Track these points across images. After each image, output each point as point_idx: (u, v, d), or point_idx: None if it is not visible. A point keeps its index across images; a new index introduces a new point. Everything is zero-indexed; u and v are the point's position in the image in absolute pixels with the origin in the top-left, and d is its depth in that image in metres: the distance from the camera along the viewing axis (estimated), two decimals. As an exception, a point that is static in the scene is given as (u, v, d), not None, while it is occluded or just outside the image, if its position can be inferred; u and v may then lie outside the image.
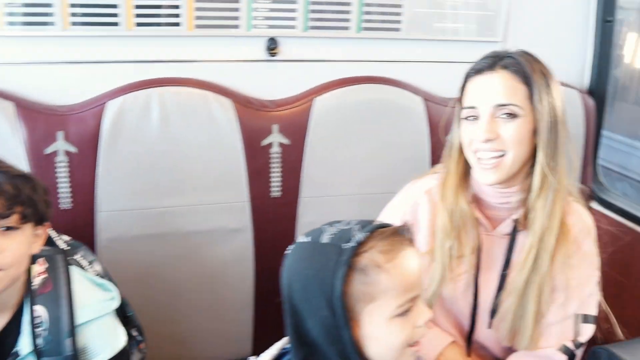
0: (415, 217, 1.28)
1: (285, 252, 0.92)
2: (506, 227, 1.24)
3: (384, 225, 0.89)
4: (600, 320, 1.27)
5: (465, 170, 1.24)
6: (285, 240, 1.62)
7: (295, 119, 1.54)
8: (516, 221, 1.22)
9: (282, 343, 0.97)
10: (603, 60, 1.84)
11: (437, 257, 1.24)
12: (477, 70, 1.17)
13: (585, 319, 1.24)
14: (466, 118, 1.18)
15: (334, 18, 1.54)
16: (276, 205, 1.57)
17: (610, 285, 1.59)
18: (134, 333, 1.31)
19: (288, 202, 1.58)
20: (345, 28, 1.55)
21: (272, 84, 1.56)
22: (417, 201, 1.29)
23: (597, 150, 1.88)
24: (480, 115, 1.15)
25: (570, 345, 1.20)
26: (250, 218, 1.56)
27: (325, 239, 0.87)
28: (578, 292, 1.23)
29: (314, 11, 1.52)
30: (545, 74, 1.18)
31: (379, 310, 0.85)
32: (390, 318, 0.85)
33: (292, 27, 1.52)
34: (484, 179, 1.18)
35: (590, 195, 1.88)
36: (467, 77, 1.19)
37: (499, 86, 1.14)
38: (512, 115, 1.13)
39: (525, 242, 1.22)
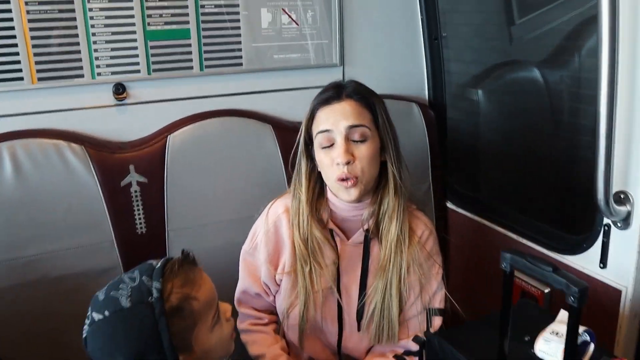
0: (278, 235, 1.40)
1: (84, 334, 0.95)
2: (359, 236, 1.38)
3: (165, 263, 0.99)
4: (448, 309, 1.44)
5: (317, 194, 1.38)
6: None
7: (151, 158, 1.62)
8: (367, 231, 1.37)
9: None
10: (436, 75, 2.04)
11: (299, 281, 1.36)
12: (325, 100, 1.31)
13: (435, 311, 1.42)
14: (322, 147, 1.30)
15: (176, 59, 1.64)
16: (143, 241, 1.64)
17: (460, 273, 1.77)
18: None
19: (155, 236, 1.65)
20: (189, 68, 1.66)
21: (125, 126, 1.63)
22: (278, 220, 1.41)
23: (445, 156, 2.08)
24: (336, 138, 1.28)
25: (421, 335, 1.35)
26: (118, 256, 1.61)
27: (125, 303, 0.91)
28: (427, 288, 1.40)
29: (155, 55, 1.61)
30: (380, 99, 1.36)
31: (203, 329, 0.97)
32: (211, 329, 0.98)
33: (137, 71, 1.60)
34: (346, 197, 1.31)
35: (444, 195, 2.09)
36: (316, 109, 1.33)
37: (349, 111, 1.29)
38: (363, 138, 1.28)
39: (376, 248, 1.38)
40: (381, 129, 1.32)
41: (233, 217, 1.73)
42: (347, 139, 1.28)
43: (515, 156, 1.85)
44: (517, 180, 1.88)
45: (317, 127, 1.32)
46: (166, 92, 1.66)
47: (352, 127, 1.28)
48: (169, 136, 1.64)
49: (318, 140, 1.31)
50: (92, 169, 1.55)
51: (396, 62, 2.00)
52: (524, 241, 1.73)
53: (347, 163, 1.27)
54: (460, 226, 2.03)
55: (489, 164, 1.98)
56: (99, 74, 1.56)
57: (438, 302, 1.43)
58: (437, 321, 1.43)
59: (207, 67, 1.68)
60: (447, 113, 2.05)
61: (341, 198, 1.33)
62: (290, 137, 1.76)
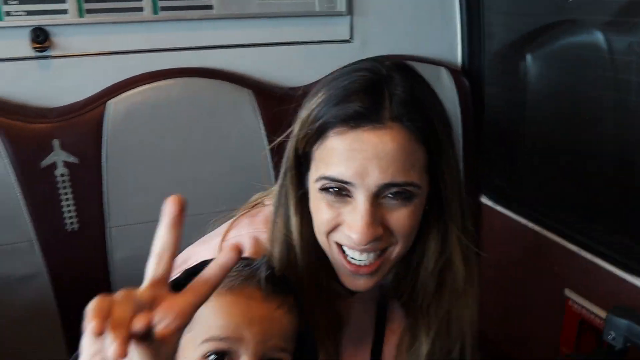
0: None
1: None
2: (369, 292, 0.83)
3: None
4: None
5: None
6: (96, 281, 1.31)
7: (83, 130, 1.23)
8: (383, 287, 0.86)
9: None
10: (473, 33, 1.63)
11: None
12: (348, 118, 0.68)
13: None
14: (323, 190, 0.72)
15: (120, -3, 1.22)
16: (75, 240, 1.26)
17: (495, 289, 1.39)
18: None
19: (91, 235, 1.28)
20: (138, 9, 1.25)
21: (47, 87, 1.24)
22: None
23: (481, 138, 1.65)
24: (356, 196, 0.70)
25: None
26: (43, 260, 1.24)
27: None
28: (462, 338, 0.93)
29: (90, -11, 1.20)
30: (444, 112, 0.75)
31: None
32: None
33: (64, 11, 1.20)
34: (352, 285, 0.76)
35: (478, 188, 1.66)
36: (327, 125, 0.69)
37: (391, 153, 0.68)
38: (406, 198, 0.71)
39: (398, 310, 0.88)
40: (442, 178, 0.75)
41: (198, 212, 1.29)
42: (376, 200, 0.70)
43: (576, 141, 1.43)
44: (578, 171, 1.45)
45: (323, 161, 0.71)
46: (105, 42, 1.27)
47: (389, 185, 0.70)
48: (108, 102, 1.25)
49: (321, 182, 0.72)
50: (1, 143, 1.16)
51: (421, 14, 1.57)
52: (589, 256, 1.33)
53: (368, 243, 0.71)
54: (498, 228, 1.64)
55: (537, 150, 1.57)
56: (8, 14, 1.16)
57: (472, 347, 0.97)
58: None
59: (163, 9, 1.28)
60: (485, 82, 1.65)
61: (343, 282, 0.78)
62: (278, 106, 1.35)
